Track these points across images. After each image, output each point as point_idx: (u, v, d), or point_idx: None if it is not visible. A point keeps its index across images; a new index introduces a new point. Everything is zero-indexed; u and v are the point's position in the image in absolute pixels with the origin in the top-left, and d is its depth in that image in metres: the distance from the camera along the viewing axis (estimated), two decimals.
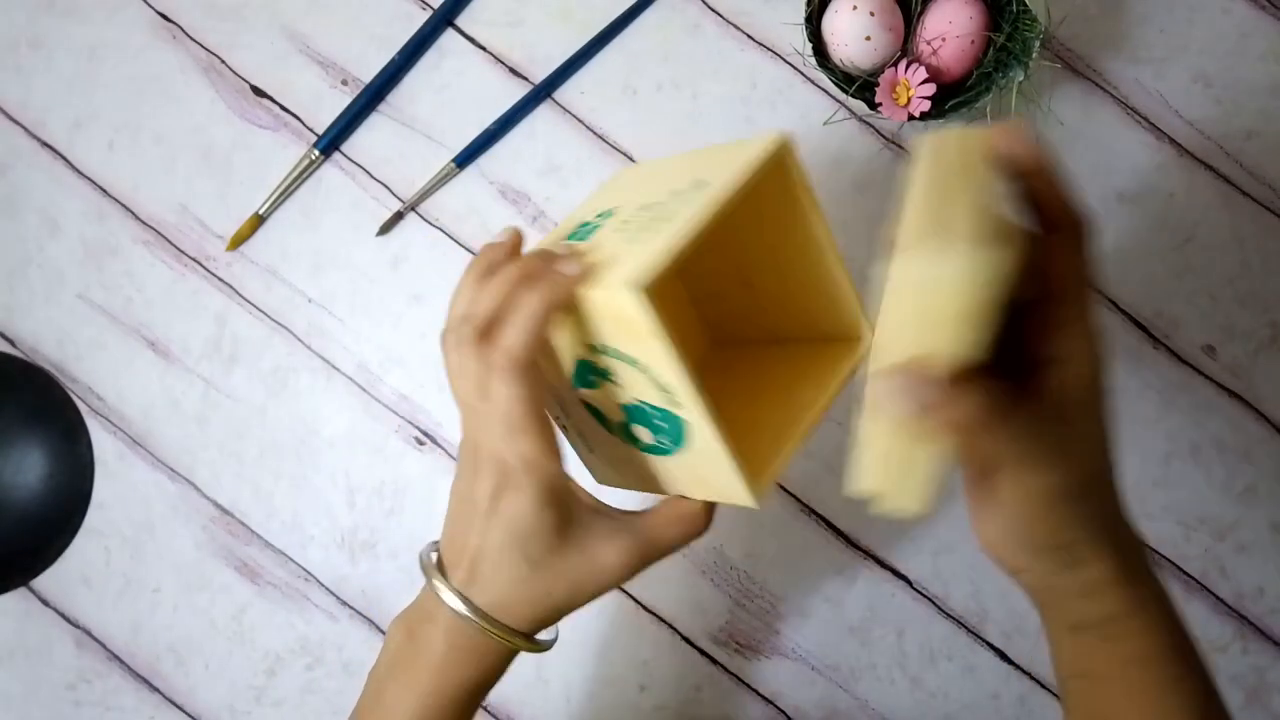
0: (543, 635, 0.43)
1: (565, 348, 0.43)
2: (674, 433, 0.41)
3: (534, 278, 0.39)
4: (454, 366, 0.41)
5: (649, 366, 0.39)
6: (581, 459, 0.49)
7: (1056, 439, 0.36)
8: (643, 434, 0.43)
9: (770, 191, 0.43)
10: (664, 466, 0.44)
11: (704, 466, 0.41)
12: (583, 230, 0.44)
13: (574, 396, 0.45)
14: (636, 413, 0.42)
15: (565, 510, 0.40)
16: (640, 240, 0.39)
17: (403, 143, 0.62)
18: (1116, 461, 0.39)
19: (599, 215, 0.45)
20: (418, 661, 0.41)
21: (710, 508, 0.43)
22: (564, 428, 0.48)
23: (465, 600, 0.41)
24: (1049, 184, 0.37)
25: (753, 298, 0.49)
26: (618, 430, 0.44)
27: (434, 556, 0.43)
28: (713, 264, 0.48)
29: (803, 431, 0.43)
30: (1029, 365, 0.37)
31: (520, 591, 0.41)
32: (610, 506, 0.43)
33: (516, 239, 0.44)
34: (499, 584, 0.41)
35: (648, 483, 0.46)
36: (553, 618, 0.42)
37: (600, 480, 0.50)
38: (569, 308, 0.39)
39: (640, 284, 0.35)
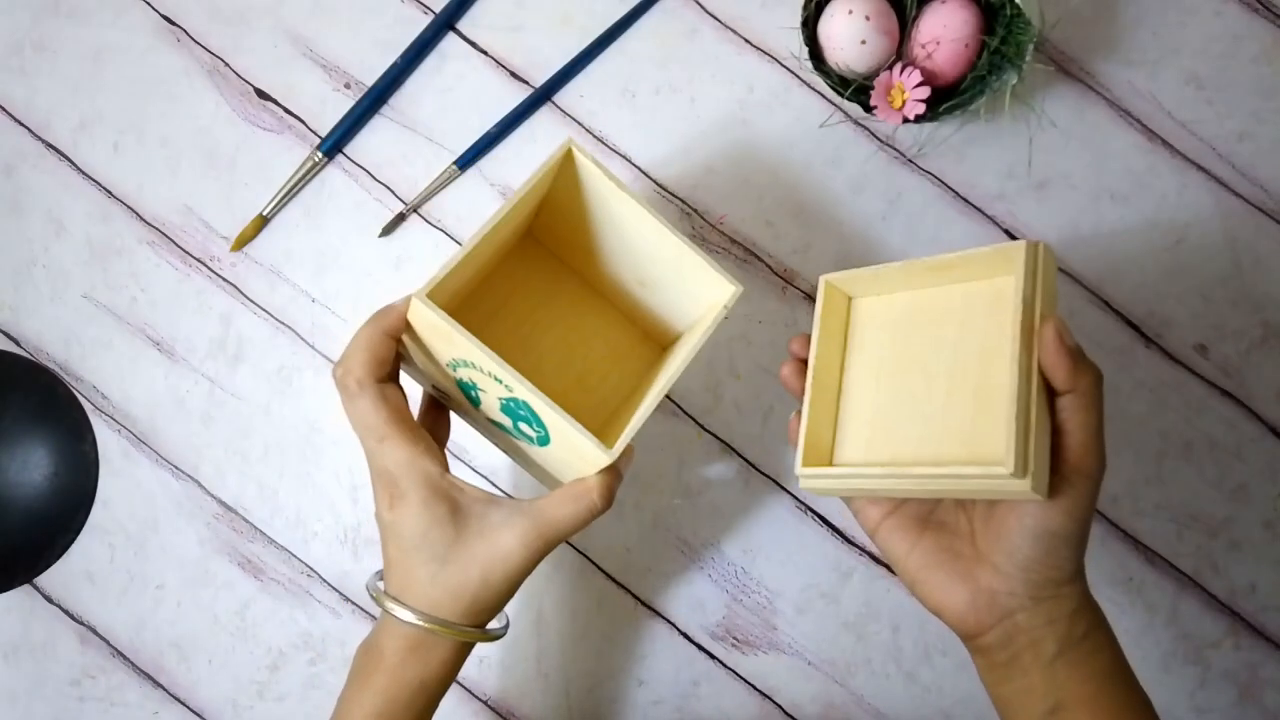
0: (490, 625, 0.46)
1: (444, 377, 0.48)
2: (537, 420, 0.45)
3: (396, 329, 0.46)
4: (346, 413, 0.46)
5: (475, 363, 0.43)
6: (524, 467, 0.54)
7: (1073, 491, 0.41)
8: (526, 430, 0.46)
9: (585, 191, 0.49)
10: (553, 456, 0.47)
11: (563, 440, 0.44)
12: None
13: (481, 417, 0.49)
14: (509, 412, 0.46)
15: (452, 503, 0.44)
16: None
17: (405, 145, 0.62)
18: None
19: None
20: (373, 668, 0.45)
21: (606, 484, 0.45)
22: (496, 444, 0.53)
23: (401, 604, 0.44)
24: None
25: (653, 295, 0.54)
26: (519, 435, 0.48)
27: (380, 583, 0.47)
28: (604, 270, 0.54)
29: (653, 389, 0.46)
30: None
31: (439, 587, 0.44)
32: (503, 497, 0.46)
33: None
34: (420, 584, 0.44)
35: (554, 476, 0.50)
36: (479, 607, 0.45)
37: (549, 487, 0.53)
38: (403, 329, 0.45)
39: (422, 292, 0.42)
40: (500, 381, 0.43)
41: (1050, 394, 0.42)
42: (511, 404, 0.44)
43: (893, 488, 0.44)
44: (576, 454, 0.45)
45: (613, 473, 0.45)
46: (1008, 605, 0.43)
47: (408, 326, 0.45)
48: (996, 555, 0.43)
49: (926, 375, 0.46)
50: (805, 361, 0.48)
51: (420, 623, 0.44)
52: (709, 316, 0.48)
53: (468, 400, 0.48)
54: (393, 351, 0.46)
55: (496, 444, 0.53)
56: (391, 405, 0.45)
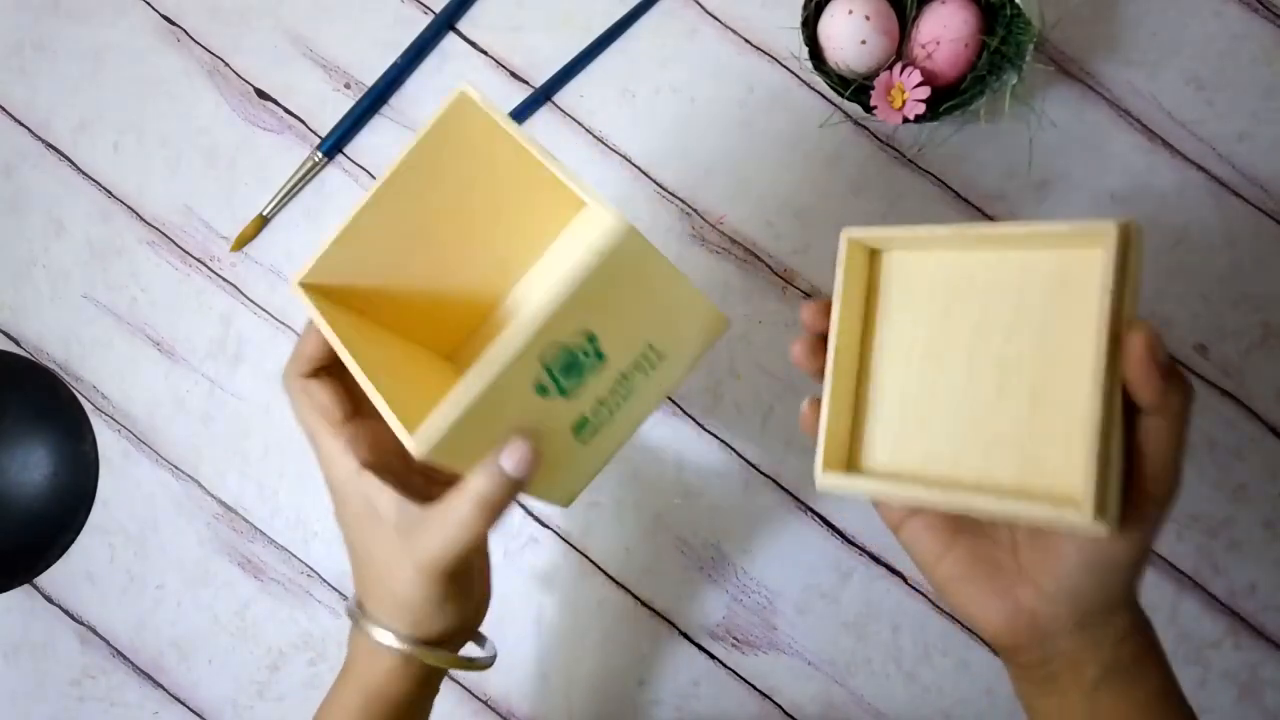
0: (475, 653, 0.45)
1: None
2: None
3: None
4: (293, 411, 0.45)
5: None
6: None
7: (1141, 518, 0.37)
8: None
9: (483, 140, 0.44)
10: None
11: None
12: None
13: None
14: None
15: (363, 501, 0.41)
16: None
17: (405, 145, 0.62)
18: None
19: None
20: (347, 684, 0.44)
21: (476, 498, 0.39)
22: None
23: (366, 615, 0.43)
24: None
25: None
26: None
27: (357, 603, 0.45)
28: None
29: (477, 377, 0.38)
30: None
31: (380, 591, 0.42)
32: (410, 508, 0.41)
33: None
34: (366, 588, 0.43)
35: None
36: (444, 619, 0.42)
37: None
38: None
39: (297, 277, 0.42)
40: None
41: (1128, 408, 0.36)
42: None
43: (933, 502, 0.38)
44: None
45: (487, 478, 0.39)
46: (1050, 629, 0.38)
47: None
48: (1043, 577, 0.38)
49: (971, 361, 0.39)
50: (821, 336, 0.41)
51: (383, 642, 0.42)
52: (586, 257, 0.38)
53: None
54: (323, 347, 0.43)
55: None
56: (316, 400, 0.42)
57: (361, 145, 0.63)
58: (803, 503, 0.60)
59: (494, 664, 0.46)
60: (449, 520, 0.39)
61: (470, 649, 0.46)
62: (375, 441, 0.42)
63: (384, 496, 0.41)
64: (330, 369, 0.43)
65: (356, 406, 0.43)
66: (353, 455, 0.42)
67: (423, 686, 0.44)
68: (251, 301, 0.62)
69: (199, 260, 0.63)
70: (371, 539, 0.42)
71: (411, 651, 0.42)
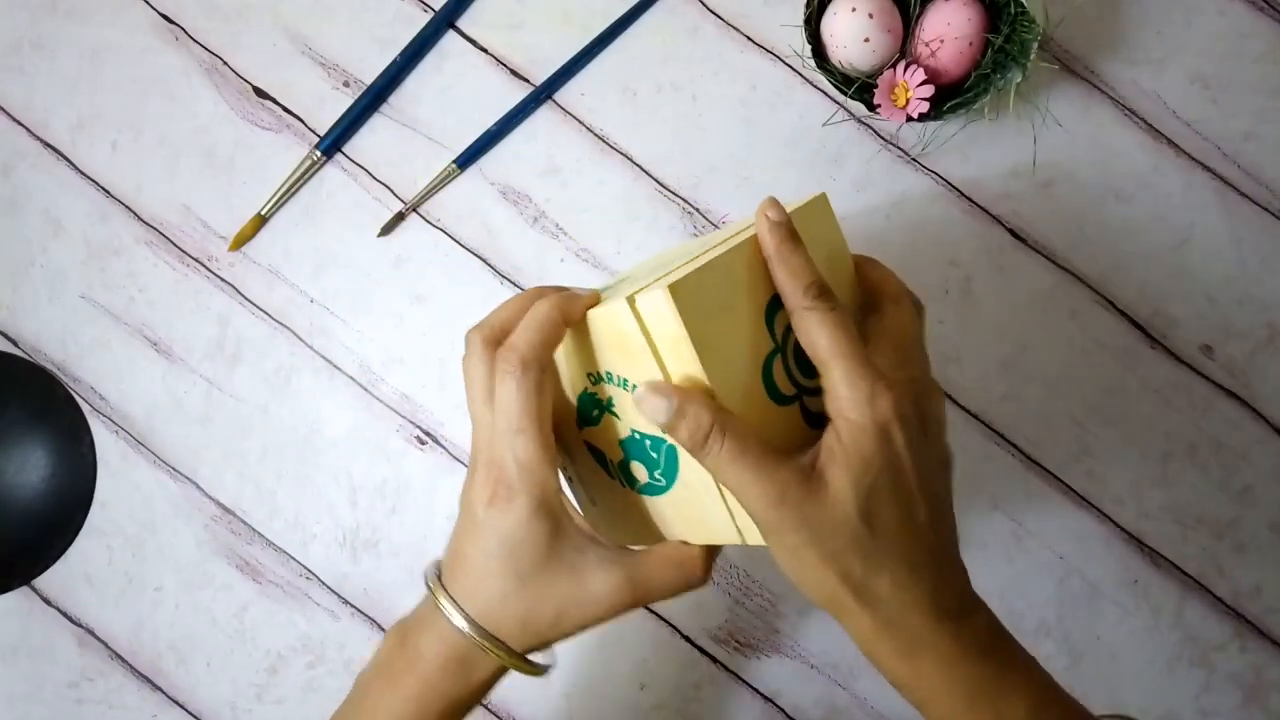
0: (539, 659, 0.43)
1: (570, 383, 0.43)
2: (667, 463, 0.41)
3: (548, 293, 0.41)
4: (466, 374, 0.41)
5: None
6: (585, 514, 0.48)
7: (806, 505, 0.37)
8: (639, 472, 0.43)
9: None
10: (660, 508, 0.44)
11: (696, 501, 0.41)
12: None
13: (578, 439, 0.45)
14: (633, 446, 0.42)
15: (556, 524, 0.40)
16: (655, 277, 0.40)
17: (404, 144, 0.62)
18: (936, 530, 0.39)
19: (605, 288, 0.46)
20: (408, 667, 0.41)
21: (708, 556, 0.43)
22: (570, 478, 0.48)
23: (460, 610, 0.41)
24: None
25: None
26: (617, 472, 0.44)
27: (438, 570, 0.43)
28: None
29: None
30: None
31: (506, 606, 0.40)
32: (605, 541, 0.43)
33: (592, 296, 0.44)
34: (486, 594, 0.40)
35: (649, 533, 0.45)
36: (538, 642, 0.41)
37: (605, 537, 0.48)
38: (577, 326, 0.41)
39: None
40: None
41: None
42: (641, 439, 0.41)
43: None
44: (696, 520, 0.41)
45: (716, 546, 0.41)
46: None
47: (583, 319, 0.41)
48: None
49: None
50: None
51: (475, 636, 0.40)
52: None
53: (580, 415, 0.44)
54: (561, 340, 0.41)
55: (572, 473, 0.48)
56: (541, 398, 0.40)
57: (360, 144, 0.62)
58: None
59: (547, 671, 0.44)
60: (682, 566, 0.41)
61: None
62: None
63: (574, 522, 0.41)
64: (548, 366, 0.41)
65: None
66: (554, 471, 0.40)
67: (488, 689, 0.43)
68: (250, 301, 0.62)
69: (197, 260, 0.62)
70: (544, 556, 0.40)
71: (512, 665, 0.41)
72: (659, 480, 0.42)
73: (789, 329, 0.40)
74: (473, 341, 0.41)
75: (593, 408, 0.43)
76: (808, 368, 0.41)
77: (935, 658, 0.38)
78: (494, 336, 0.41)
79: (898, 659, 0.38)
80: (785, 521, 0.37)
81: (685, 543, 0.43)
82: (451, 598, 0.41)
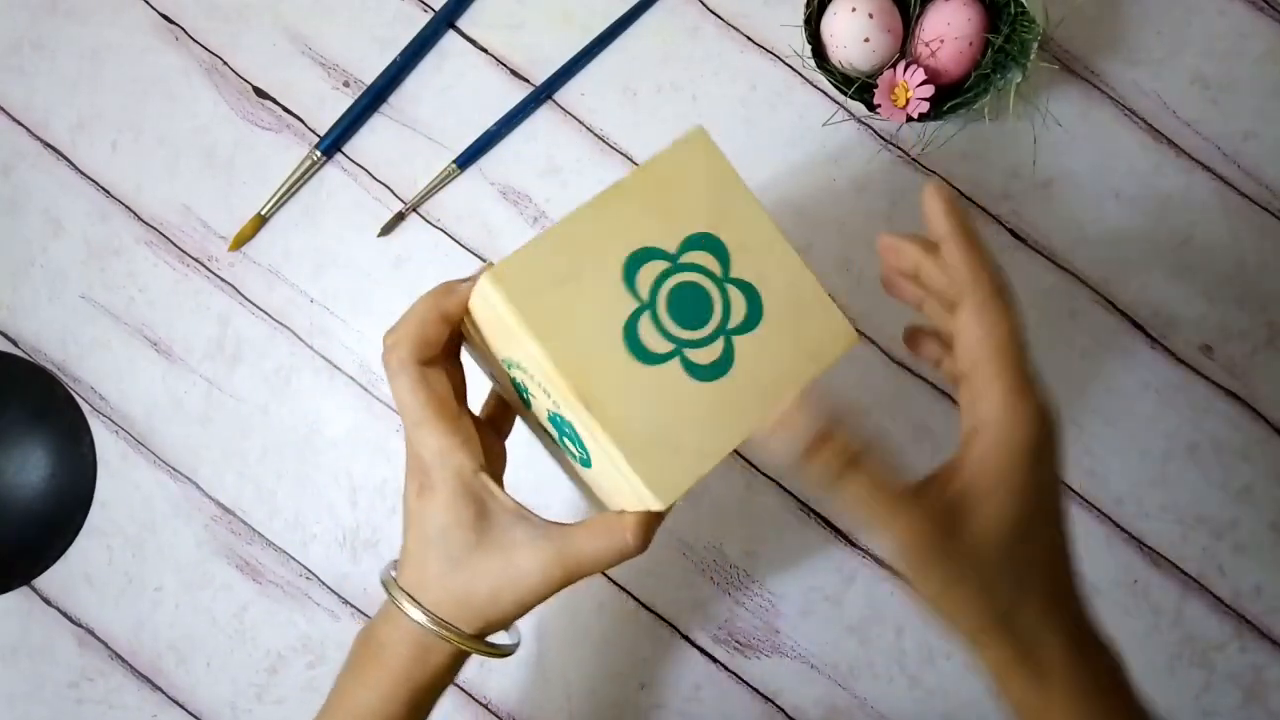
0: (501, 640, 0.44)
1: (498, 368, 0.43)
2: (578, 442, 0.41)
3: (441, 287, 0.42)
4: (392, 391, 0.42)
5: (528, 369, 0.40)
6: (576, 486, 0.49)
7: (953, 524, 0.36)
8: (570, 447, 0.43)
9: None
10: (594, 480, 0.43)
11: (608, 470, 0.40)
12: None
13: (533, 418, 0.45)
14: (556, 424, 0.42)
15: (480, 506, 0.41)
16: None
17: (404, 144, 0.62)
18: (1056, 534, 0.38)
19: None
20: (371, 660, 0.43)
21: (644, 524, 0.42)
22: (555, 459, 0.48)
23: (411, 599, 0.42)
24: (962, 249, 0.37)
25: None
26: (563, 448, 0.44)
27: (393, 567, 0.44)
28: None
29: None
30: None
31: (444, 590, 0.41)
32: (536, 515, 0.42)
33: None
34: (425, 581, 0.41)
35: (599, 500, 0.45)
36: (484, 623, 0.42)
37: (589, 507, 0.49)
38: (462, 313, 0.41)
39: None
40: (549, 395, 0.40)
41: None
42: (556, 418, 0.41)
43: None
44: (616, 489, 0.41)
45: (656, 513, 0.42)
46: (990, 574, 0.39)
47: (468, 310, 0.41)
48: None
49: None
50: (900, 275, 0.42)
51: (427, 624, 0.41)
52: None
53: (519, 398, 0.44)
54: (444, 334, 0.41)
55: (547, 449, 0.48)
56: (432, 390, 0.41)
57: (360, 144, 0.62)
58: (806, 505, 0.60)
59: (516, 651, 0.45)
60: (611, 534, 0.40)
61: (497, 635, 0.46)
62: (482, 441, 0.42)
63: (498, 500, 0.41)
64: (439, 358, 0.42)
65: (461, 402, 0.43)
66: (469, 454, 0.41)
67: (450, 673, 0.44)
68: (249, 301, 0.62)
69: (197, 260, 0.62)
70: (473, 538, 0.41)
71: (469, 649, 0.42)
72: (582, 455, 0.42)
73: (659, 281, 0.40)
74: (384, 365, 0.42)
75: (521, 391, 0.43)
76: (687, 317, 0.40)
77: (1068, 688, 0.37)
78: (403, 356, 0.41)
79: (1031, 688, 0.37)
80: (930, 563, 0.36)
81: (623, 511, 0.43)
82: (402, 589, 0.42)
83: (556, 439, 0.43)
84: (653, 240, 0.40)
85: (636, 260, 0.40)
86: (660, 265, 0.40)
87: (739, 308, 0.42)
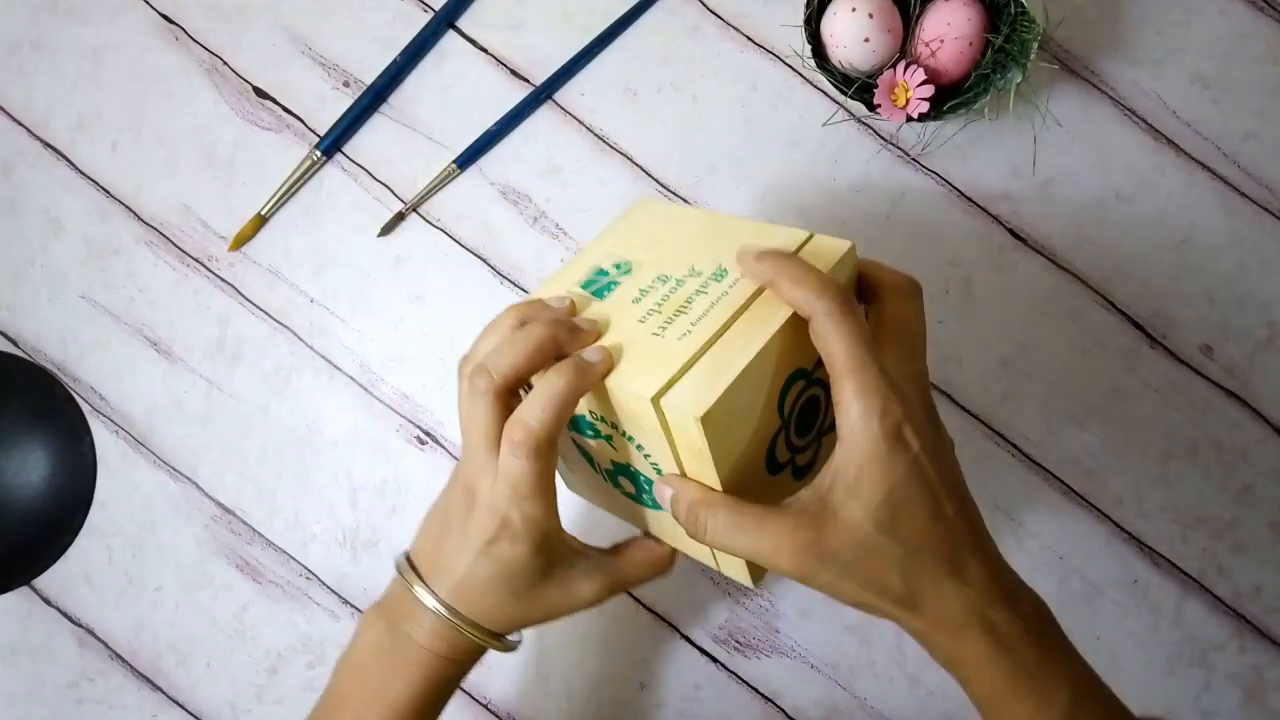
0: (510, 636, 0.46)
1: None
2: (655, 500, 0.43)
3: (563, 355, 0.41)
4: (467, 410, 0.42)
5: (653, 456, 0.41)
6: (560, 473, 0.50)
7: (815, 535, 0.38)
8: (626, 485, 0.45)
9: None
10: (641, 511, 0.46)
11: (679, 530, 0.42)
12: (598, 279, 0.45)
13: (586, 444, 0.46)
14: (626, 471, 0.44)
15: (552, 555, 0.43)
16: (665, 335, 0.40)
17: (404, 144, 0.62)
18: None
19: (615, 266, 0.45)
20: (407, 655, 0.44)
21: (675, 552, 0.47)
22: (565, 476, 0.50)
23: (449, 609, 0.43)
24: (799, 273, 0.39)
25: None
26: (601, 471, 0.46)
27: (408, 560, 0.45)
28: None
29: None
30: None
31: (499, 614, 0.43)
32: (588, 546, 0.46)
33: (570, 309, 0.44)
34: (482, 606, 0.43)
35: (620, 513, 0.49)
36: (517, 628, 0.45)
37: (571, 489, 0.52)
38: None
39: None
40: (648, 458, 0.41)
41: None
42: (638, 476, 0.43)
43: None
44: (680, 540, 0.45)
45: None
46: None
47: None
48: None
49: None
50: None
51: (464, 627, 0.43)
52: None
53: (581, 430, 0.44)
54: (534, 365, 0.41)
55: (561, 468, 0.49)
56: (551, 469, 0.41)
57: (360, 144, 0.62)
58: None
59: (518, 647, 0.47)
60: (655, 565, 0.46)
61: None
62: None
63: (566, 545, 0.43)
64: (517, 390, 0.42)
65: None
66: (556, 517, 0.42)
67: (473, 664, 0.46)
68: (249, 301, 0.62)
69: (197, 260, 0.62)
70: (538, 579, 0.43)
71: (489, 644, 0.44)
72: (647, 501, 0.45)
73: (797, 399, 0.41)
74: (475, 385, 0.41)
75: (589, 428, 0.43)
76: (804, 427, 0.42)
77: (980, 641, 0.38)
78: (502, 386, 0.41)
79: (947, 643, 0.39)
80: (809, 565, 0.38)
81: (658, 540, 0.47)
82: (440, 599, 0.43)
83: (607, 470, 0.45)
84: (803, 361, 0.41)
85: (790, 381, 0.41)
86: (800, 383, 0.42)
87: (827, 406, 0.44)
